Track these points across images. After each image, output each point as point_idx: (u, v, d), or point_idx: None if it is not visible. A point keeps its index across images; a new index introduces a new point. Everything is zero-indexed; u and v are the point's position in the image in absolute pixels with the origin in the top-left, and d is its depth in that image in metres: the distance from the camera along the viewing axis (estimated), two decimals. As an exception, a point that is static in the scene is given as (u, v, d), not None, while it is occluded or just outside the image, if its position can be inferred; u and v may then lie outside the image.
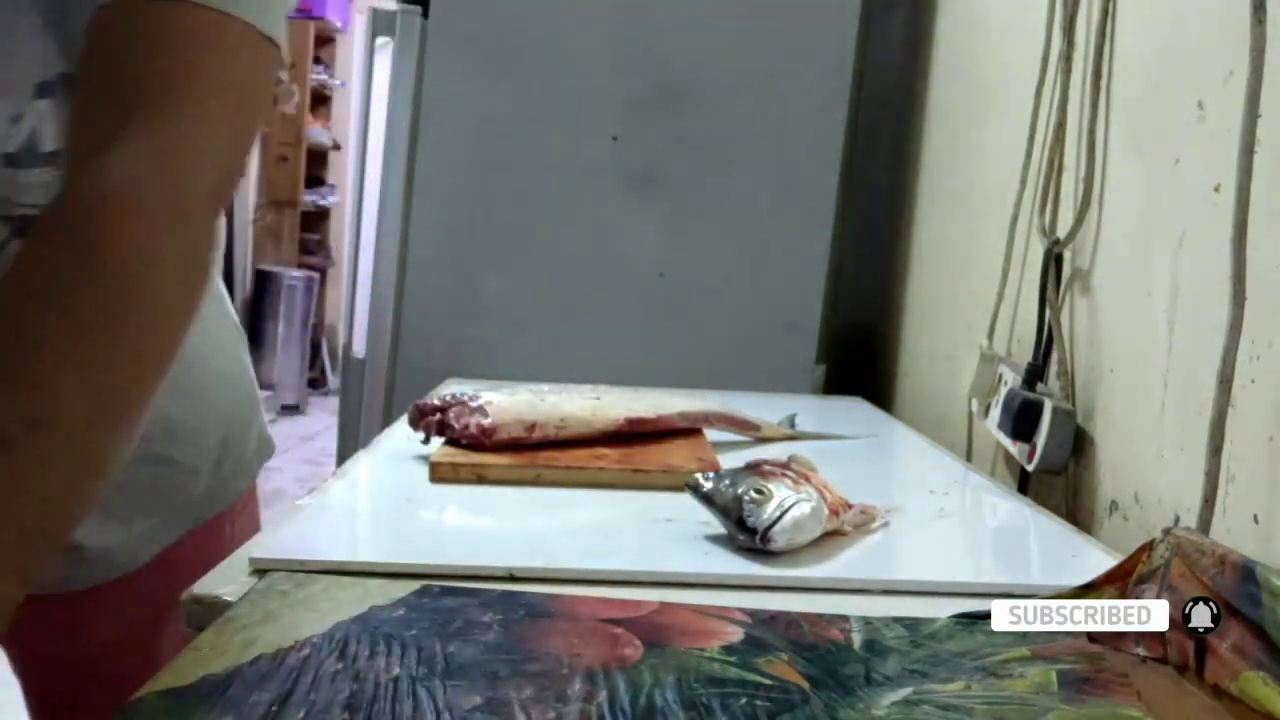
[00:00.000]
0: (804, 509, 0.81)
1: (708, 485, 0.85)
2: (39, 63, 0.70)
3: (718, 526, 0.84)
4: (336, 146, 6.58)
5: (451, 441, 1.05)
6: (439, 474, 0.98)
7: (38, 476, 0.53)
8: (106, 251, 0.57)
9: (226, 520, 0.93)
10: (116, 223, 0.58)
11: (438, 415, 1.06)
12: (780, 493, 0.81)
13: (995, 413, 1.20)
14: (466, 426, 1.04)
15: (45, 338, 0.55)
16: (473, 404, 1.07)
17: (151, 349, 0.59)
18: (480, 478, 0.98)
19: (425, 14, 1.69)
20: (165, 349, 0.60)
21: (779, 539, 0.79)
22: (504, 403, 1.07)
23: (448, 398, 1.08)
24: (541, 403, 1.09)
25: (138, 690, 0.54)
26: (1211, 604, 0.63)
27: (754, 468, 0.87)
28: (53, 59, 0.70)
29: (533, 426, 1.07)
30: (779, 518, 0.79)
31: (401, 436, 1.18)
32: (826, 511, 0.83)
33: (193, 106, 0.62)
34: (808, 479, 0.85)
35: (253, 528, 0.95)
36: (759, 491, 0.81)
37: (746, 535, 0.80)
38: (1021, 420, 1.12)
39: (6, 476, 0.52)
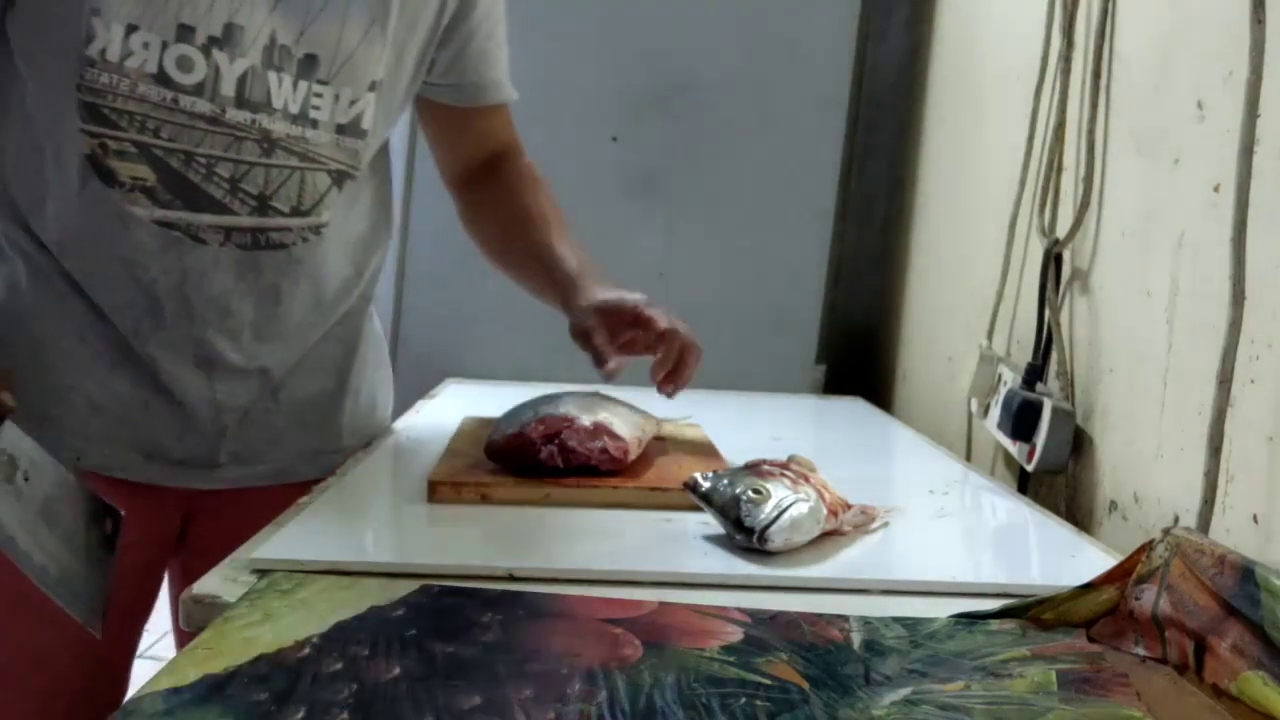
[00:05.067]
0: (801, 509, 0.81)
1: (706, 485, 0.85)
2: (379, 69, 0.99)
3: (717, 526, 0.84)
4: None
5: (584, 469, 0.95)
6: (438, 494, 0.92)
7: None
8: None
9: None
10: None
11: (555, 443, 0.95)
12: (778, 492, 0.81)
13: (995, 413, 1.20)
14: (604, 450, 0.95)
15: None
16: (584, 424, 0.97)
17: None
18: (485, 498, 0.91)
19: (425, 14, 1.69)
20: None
21: (776, 539, 0.79)
22: (610, 418, 0.99)
23: (531, 425, 0.97)
24: (620, 412, 1.02)
25: None
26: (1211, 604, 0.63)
27: (753, 467, 0.87)
28: (383, 67, 0.99)
29: (640, 441, 1.01)
30: (776, 517, 0.79)
31: (401, 436, 1.18)
32: (825, 511, 0.83)
33: None
34: (807, 479, 0.85)
35: None
36: (757, 491, 0.81)
37: (744, 535, 0.80)
38: (1021, 420, 1.12)
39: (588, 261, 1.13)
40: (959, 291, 1.51)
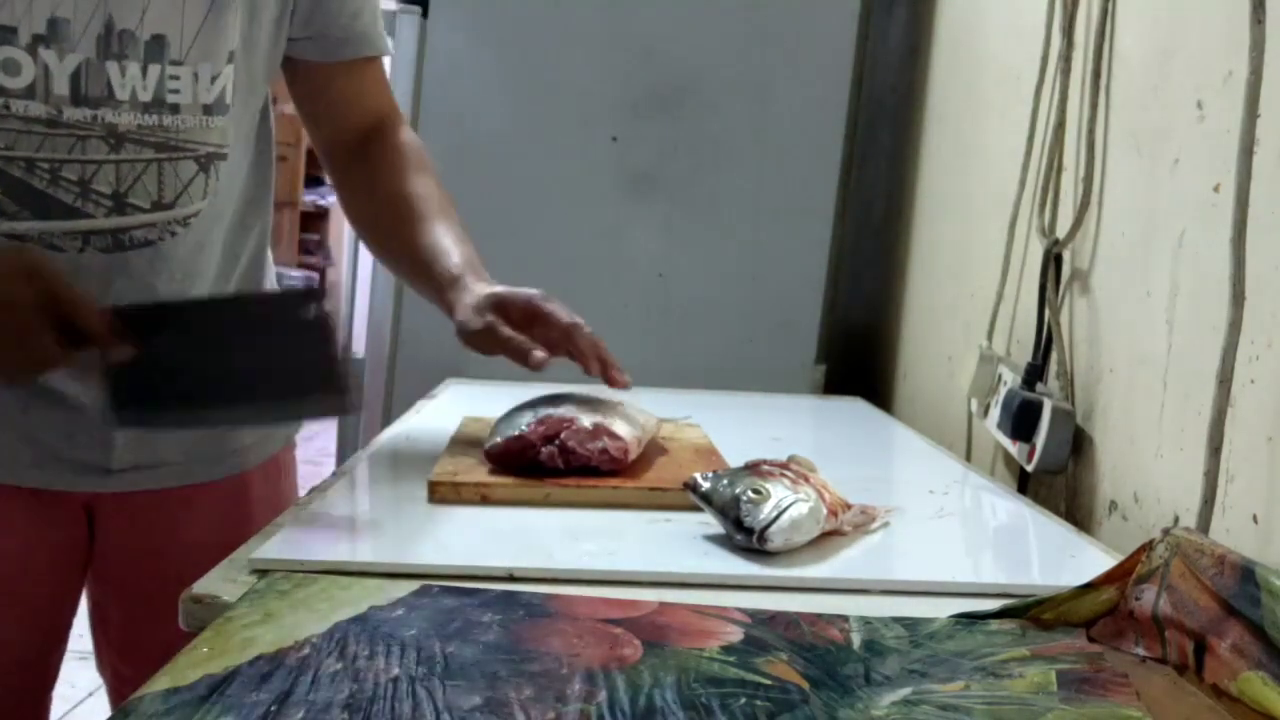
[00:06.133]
0: (801, 509, 0.81)
1: (706, 485, 0.85)
2: (234, 36, 0.93)
3: (717, 526, 0.84)
4: (336, 146, 6.57)
5: (585, 469, 0.95)
6: (438, 494, 0.91)
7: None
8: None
9: (290, 454, 1.16)
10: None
11: (555, 443, 0.95)
12: (778, 492, 0.81)
13: (995, 413, 1.20)
14: (604, 450, 0.95)
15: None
16: (584, 424, 0.96)
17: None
18: (485, 499, 0.91)
19: (425, 14, 1.69)
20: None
21: (776, 539, 0.79)
22: (610, 418, 0.99)
23: (531, 426, 0.96)
24: (621, 412, 1.01)
25: None
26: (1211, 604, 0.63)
27: (753, 467, 0.87)
28: (238, 33, 0.93)
29: (640, 441, 1.01)
30: (776, 518, 0.79)
31: (401, 436, 1.19)
32: (825, 512, 0.83)
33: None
34: (806, 479, 0.85)
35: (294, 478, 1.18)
36: (756, 491, 0.81)
37: (744, 535, 0.80)
38: (1021, 420, 1.12)
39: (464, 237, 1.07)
40: (959, 291, 1.51)
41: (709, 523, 0.85)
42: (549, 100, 1.71)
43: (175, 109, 0.91)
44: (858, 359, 1.93)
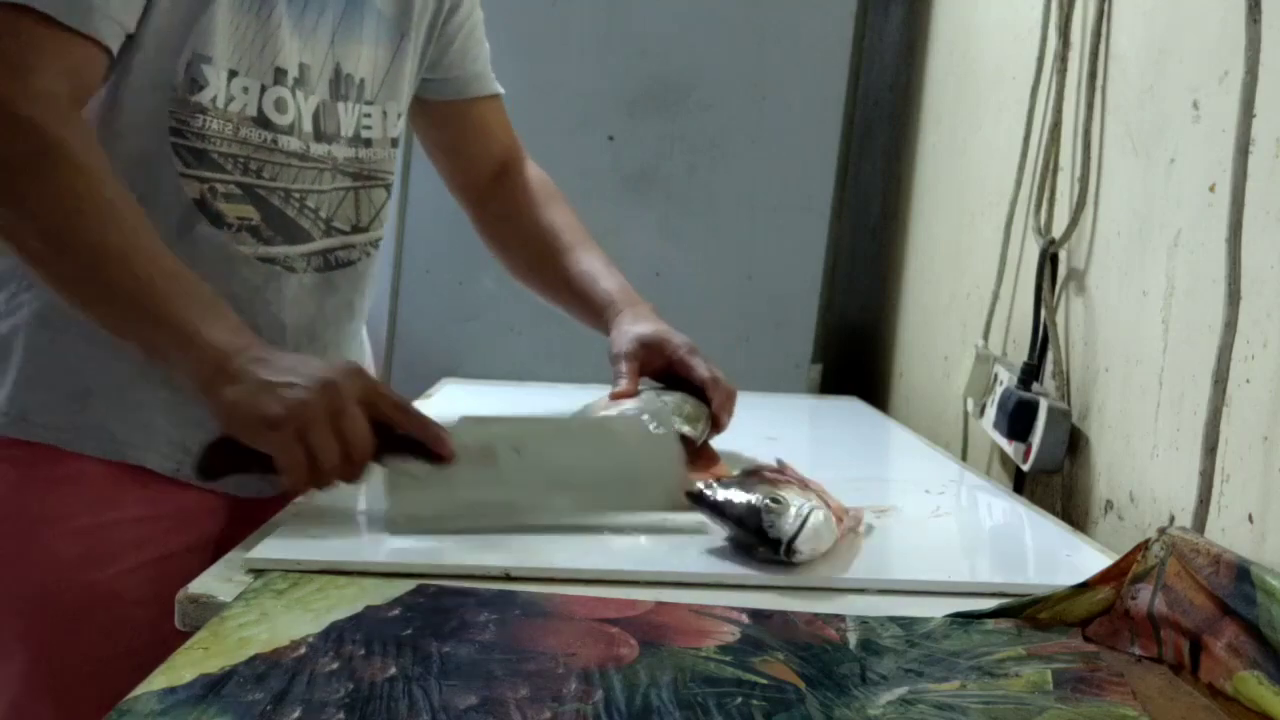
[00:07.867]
0: (819, 516, 0.78)
1: (715, 495, 0.81)
2: (411, 80, 1.06)
3: (713, 526, 0.83)
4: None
5: None
6: None
7: None
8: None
9: None
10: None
11: None
12: (794, 500, 0.78)
13: (991, 412, 1.20)
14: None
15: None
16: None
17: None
18: None
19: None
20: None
21: (803, 549, 0.76)
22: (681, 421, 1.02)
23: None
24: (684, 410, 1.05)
25: None
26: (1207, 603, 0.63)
27: (755, 474, 0.85)
28: (415, 77, 1.07)
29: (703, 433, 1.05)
30: (800, 527, 0.76)
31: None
32: (834, 518, 0.81)
33: None
34: (807, 484, 0.83)
35: None
36: (775, 500, 0.78)
37: (769, 547, 0.77)
38: (1017, 420, 1.12)
39: None
40: (955, 291, 1.51)
41: (705, 523, 0.85)
42: (545, 99, 1.71)
43: (368, 143, 1.02)
44: (854, 358, 1.93)
